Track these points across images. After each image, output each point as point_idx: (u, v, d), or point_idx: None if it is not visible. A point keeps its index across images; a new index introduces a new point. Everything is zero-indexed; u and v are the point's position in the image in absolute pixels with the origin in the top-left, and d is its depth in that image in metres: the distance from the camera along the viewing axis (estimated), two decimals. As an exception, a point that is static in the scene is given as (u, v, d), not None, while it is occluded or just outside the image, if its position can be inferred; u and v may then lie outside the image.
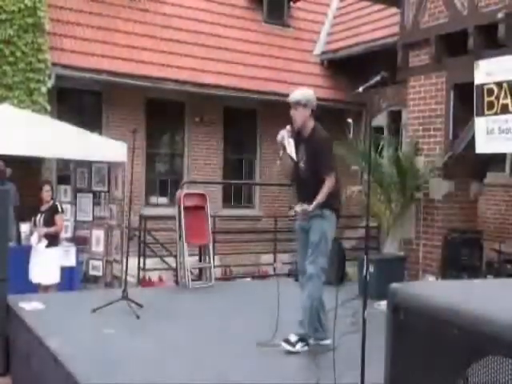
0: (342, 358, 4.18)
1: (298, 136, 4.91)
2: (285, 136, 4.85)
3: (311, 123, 4.91)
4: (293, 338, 4.72)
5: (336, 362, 3.90)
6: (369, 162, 4.17)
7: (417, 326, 1.68)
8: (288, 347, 4.67)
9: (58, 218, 7.41)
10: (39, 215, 7.37)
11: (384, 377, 1.81)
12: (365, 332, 3.59)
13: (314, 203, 4.66)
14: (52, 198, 7.56)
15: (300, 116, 4.84)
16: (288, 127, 4.90)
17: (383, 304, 6.47)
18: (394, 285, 1.84)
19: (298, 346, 4.70)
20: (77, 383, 3.83)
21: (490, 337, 1.45)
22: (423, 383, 1.64)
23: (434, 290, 1.82)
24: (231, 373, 4.15)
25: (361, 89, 4.15)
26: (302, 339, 4.73)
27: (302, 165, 4.89)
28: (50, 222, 7.32)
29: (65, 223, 8.20)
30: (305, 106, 4.83)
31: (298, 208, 4.74)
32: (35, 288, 7.17)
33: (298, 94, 4.89)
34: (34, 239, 7.26)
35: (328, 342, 4.68)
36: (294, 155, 4.87)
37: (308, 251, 4.76)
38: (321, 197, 4.67)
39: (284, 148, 4.86)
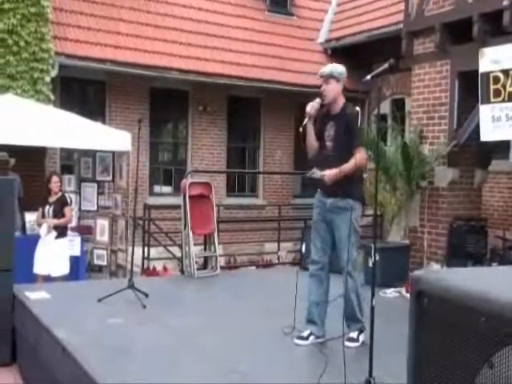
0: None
1: (326, 113, 4.71)
2: (315, 107, 4.62)
3: (342, 99, 4.72)
4: (305, 333, 4.67)
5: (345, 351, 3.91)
6: (377, 150, 4.15)
7: (441, 312, 1.68)
8: (301, 342, 4.62)
9: (67, 209, 7.44)
10: (48, 206, 7.35)
11: (407, 362, 1.82)
12: (373, 320, 3.61)
13: (337, 170, 4.38)
14: (60, 190, 7.57)
15: (332, 90, 4.63)
16: (318, 100, 4.67)
17: (389, 292, 6.50)
18: (418, 271, 1.86)
19: (311, 339, 4.66)
20: (84, 371, 3.85)
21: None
22: (447, 369, 1.64)
23: (459, 277, 1.81)
24: (238, 361, 4.16)
25: (369, 77, 4.13)
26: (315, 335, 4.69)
27: (328, 143, 4.67)
28: (59, 213, 7.34)
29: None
30: (337, 81, 4.64)
31: (319, 173, 4.43)
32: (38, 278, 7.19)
33: (330, 67, 4.72)
34: (43, 230, 7.25)
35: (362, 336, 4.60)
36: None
37: (340, 247, 4.56)
38: (348, 166, 4.42)
39: (310, 117, 4.64)
